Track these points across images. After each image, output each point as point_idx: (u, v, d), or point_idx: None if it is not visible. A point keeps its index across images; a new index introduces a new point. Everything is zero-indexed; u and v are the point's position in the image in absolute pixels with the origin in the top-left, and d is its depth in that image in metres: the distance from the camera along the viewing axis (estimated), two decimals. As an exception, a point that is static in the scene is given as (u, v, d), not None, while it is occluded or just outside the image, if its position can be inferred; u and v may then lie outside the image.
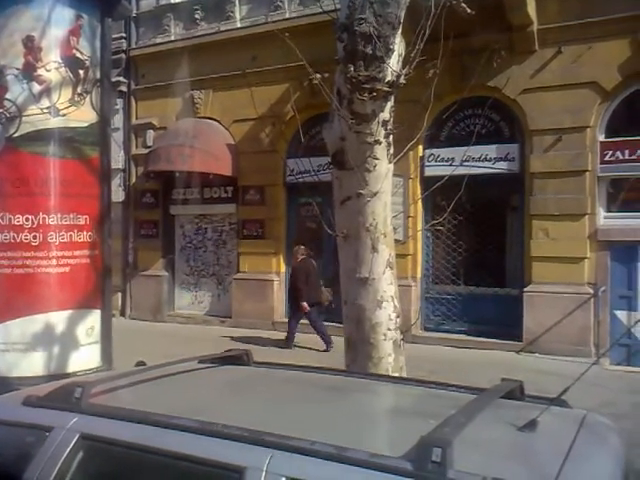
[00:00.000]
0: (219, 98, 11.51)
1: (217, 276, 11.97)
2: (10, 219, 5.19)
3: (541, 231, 9.01)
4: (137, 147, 12.40)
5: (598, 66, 8.57)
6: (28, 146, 5.22)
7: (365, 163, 3.07)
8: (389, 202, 3.28)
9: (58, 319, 5.33)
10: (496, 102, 9.35)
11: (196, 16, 11.63)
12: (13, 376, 5.21)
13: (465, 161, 9.31)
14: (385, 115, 3.03)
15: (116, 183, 12.54)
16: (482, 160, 9.32)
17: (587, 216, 8.77)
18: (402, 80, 2.89)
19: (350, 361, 3.38)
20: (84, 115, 5.46)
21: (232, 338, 9.70)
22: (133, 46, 12.42)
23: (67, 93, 5.33)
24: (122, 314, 12.45)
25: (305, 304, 9.23)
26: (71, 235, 5.39)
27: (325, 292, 9.61)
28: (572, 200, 8.80)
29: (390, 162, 3.24)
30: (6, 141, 5.19)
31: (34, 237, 5.23)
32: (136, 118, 12.44)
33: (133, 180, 12.47)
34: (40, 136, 5.24)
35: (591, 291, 8.73)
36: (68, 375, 5.29)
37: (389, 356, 3.27)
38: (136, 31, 12.43)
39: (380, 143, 3.05)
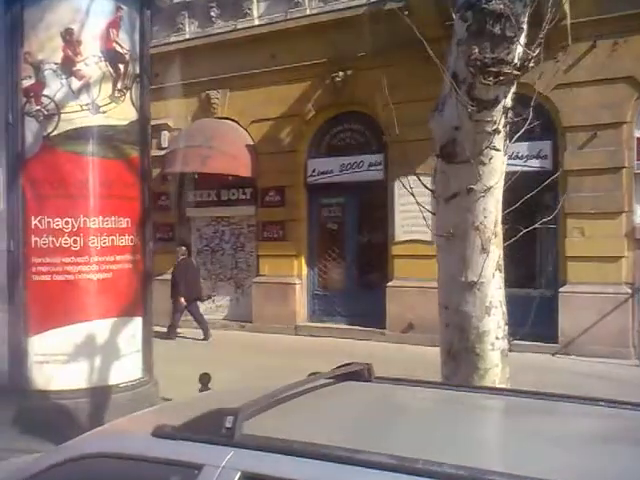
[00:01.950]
0: (236, 98, 11.22)
1: (235, 279, 11.67)
2: (49, 222, 4.90)
3: (576, 230, 8.78)
4: (151, 149, 12.02)
5: (634, 60, 8.36)
6: (67, 145, 4.93)
7: (481, 155, 2.81)
8: (501, 198, 3.01)
9: (100, 328, 5.04)
10: (527, 98, 9.14)
11: (212, 14, 11.34)
12: (52, 389, 4.93)
13: (495, 159, 9.09)
14: (508, 102, 2.77)
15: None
16: (513, 158, 9.06)
17: (624, 214, 8.55)
18: (532, 63, 2.63)
19: (450, 372, 3.11)
20: (124, 112, 5.18)
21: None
22: (146, 45, 12.10)
23: (107, 89, 5.05)
24: (137, 320, 12.13)
25: (182, 299, 10.30)
26: (113, 239, 5.11)
27: (205, 288, 11.03)
28: (608, 198, 8.57)
29: (506, 154, 2.97)
30: (44, 140, 4.90)
31: (74, 241, 4.94)
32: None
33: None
34: (79, 134, 4.96)
35: (629, 291, 8.51)
36: (110, 388, 5.02)
37: (496, 367, 3.01)
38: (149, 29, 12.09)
39: (499, 132, 2.79)
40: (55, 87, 4.88)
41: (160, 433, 1.70)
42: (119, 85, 5.11)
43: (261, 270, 11.10)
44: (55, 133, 4.89)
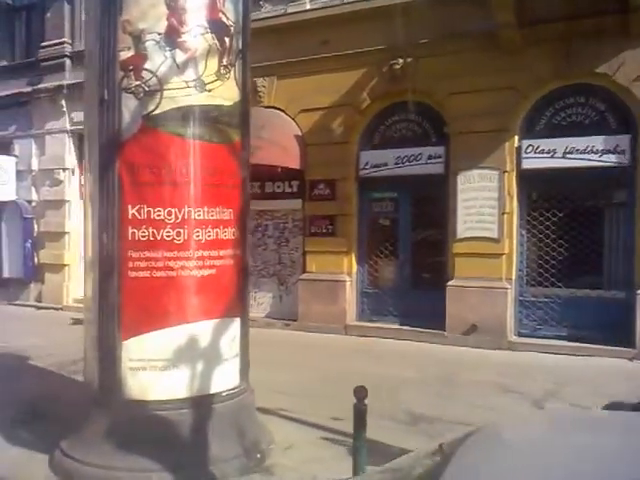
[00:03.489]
0: (284, 86, 10.68)
1: (279, 276, 11.16)
2: (149, 212, 4.36)
3: (654, 229, 8.35)
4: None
5: None
6: (169, 126, 4.38)
7: None
8: None
9: (202, 330, 4.51)
10: (604, 90, 8.69)
11: (260, -3, 10.80)
12: (150, 399, 4.39)
13: (568, 153, 8.63)
14: None
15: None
16: (587, 152, 8.60)
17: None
18: None
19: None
20: (229, 92, 4.64)
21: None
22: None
23: (213, 65, 4.51)
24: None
25: None
26: (217, 232, 4.57)
27: None
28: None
29: None
30: (143, 120, 4.35)
31: (177, 234, 4.40)
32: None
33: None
34: (183, 115, 4.41)
35: None
36: (213, 397, 4.52)
37: None
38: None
39: None
40: (158, 60, 4.33)
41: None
42: (224, 61, 4.58)
43: (308, 267, 10.59)
44: (157, 112, 4.34)
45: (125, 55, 4.35)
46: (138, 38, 4.33)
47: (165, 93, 4.34)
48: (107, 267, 4.42)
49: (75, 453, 4.45)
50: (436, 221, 9.87)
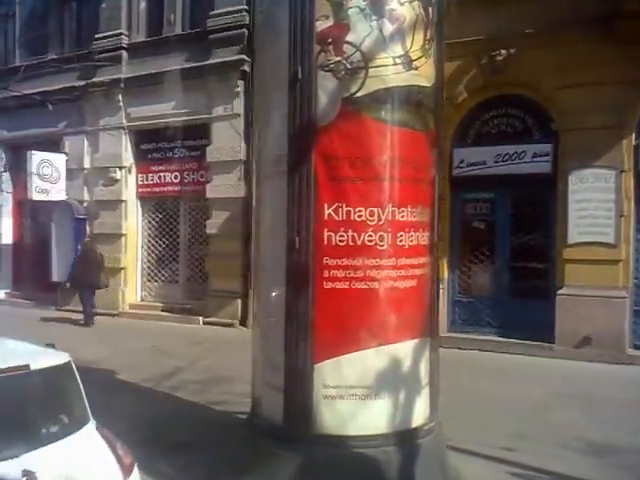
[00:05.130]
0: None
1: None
2: (348, 212, 3.67)
3: None
4: (262, 135, 10.81)
5: None
6: (374, 110, 3.70)
7: None
8: None
9: (403, 352, 3.83)
10: None
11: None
12: (347, 434, 3.70)
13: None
14: None
15: (236, 176, 11.02)
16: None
17: None
18: None
19: None
20: (430, 70, 3.96)
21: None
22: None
23: (419, 38, 3.83)
24: (243, 324, 10.90)
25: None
26: (418, 236, 3.89)
27: (103, 279, 11.45)
28: None
29: None
30: (344, 103, 3.66)
31: (380, 238, 3.72)
32: (261, 102, 10.85)
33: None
34: (388, 97, 3.73)
35: None
36: (415, 432, 3.82)
37: None
38: (260, 2, 10.84)
39: None
40: (362, 32, 3.64)
41: None
42: (428, 34, 3.89)
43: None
44: (361, 94, 3.65)
45: (323, 25, 3.67)
46: (339, 5, 3.66)
47: (370, 71, 3.66)
48: (297, 277, 3.74)
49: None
50: (540, 224, 9.17)
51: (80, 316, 11.31)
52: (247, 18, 10.86)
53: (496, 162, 9.23)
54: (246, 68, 10.84)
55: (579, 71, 8.47)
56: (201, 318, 11.29)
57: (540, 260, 9.13)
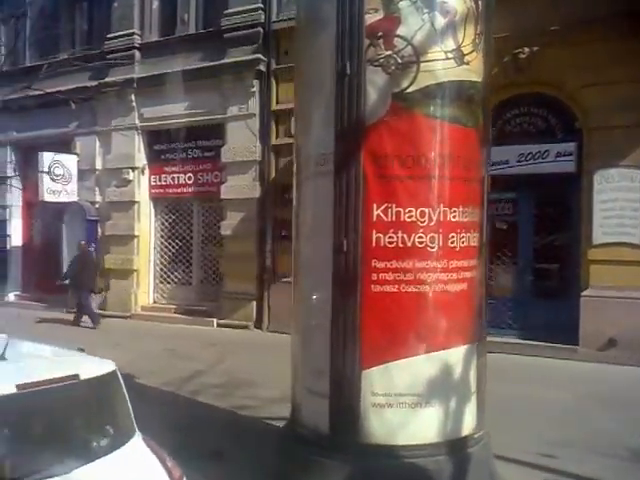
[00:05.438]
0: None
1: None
2: (398, 213, 3.53)
3: None
4: (278, 136, 10.69)
5: None
6: (425, 107, 3.56)
7: None
8: None
9: (454, 358, 3.69)
10: None
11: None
12: (397, 444, 3.56)
13: None
14: None
15: (251, 177, 10.88)
16: None
17: None
18: None
19: None
20: (480, 65, 3.83)
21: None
22: (274, 19, 10.72)
23: (470, 32, 3.69)
24: (258, 326, 10.76)
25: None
26: (469, 237, 3.75)
27: (99, 282, 11.78)
28: None
29: None
30: (394, 99, 3.52)
31: (431, 240, 3.57)
32: (277, 103, 10.72)
33: (272, 174, 10.75)
34: (440, 92, 3.59)
35: None
36: (466, 441, 3.67)
37: None
38: (277, 0, 10.74)
39: None
40: (414, 25, 3.50)
41: None
42: (479, 28, 3.76)
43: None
44: (412, 89, 3.51)
45: (372, 18, 3.53)
46: (390, -3, 3.51)
47: (422, 65, 3.52)
48: (344, 280, 3.59)
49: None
50: (564, 224, 9.03)
51: (87, 319, 11.21)
52: (262, 17, 10.74)
53: (519, 161, 9.08)
54: (262, 67, 10.71)
55: (604, 69, 8.32)
56: (215, 320, 11.15)
57: (564, 261, 8.99)
